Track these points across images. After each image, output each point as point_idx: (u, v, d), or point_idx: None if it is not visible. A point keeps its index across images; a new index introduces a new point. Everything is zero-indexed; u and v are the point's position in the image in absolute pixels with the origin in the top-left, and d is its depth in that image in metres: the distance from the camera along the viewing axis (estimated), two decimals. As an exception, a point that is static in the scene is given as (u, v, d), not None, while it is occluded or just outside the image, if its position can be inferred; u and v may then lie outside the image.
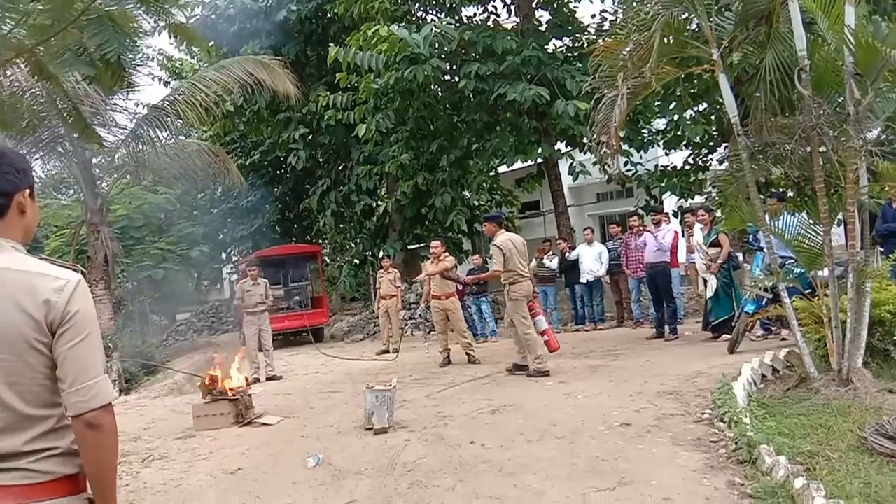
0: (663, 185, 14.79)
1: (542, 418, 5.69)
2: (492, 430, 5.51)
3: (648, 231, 10.01)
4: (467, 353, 9.38)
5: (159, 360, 15.78)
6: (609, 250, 11.89)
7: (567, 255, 12.26)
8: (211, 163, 13.02)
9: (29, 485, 1.64)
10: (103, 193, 12.40)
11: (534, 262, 12.33)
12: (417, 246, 19.09)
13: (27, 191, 1.76)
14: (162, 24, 4.95)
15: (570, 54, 14.81)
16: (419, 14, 15.56)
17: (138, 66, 9.03)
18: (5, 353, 1.63)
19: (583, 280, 12.02)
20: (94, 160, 12.12)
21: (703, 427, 4.96)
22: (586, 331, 11.89)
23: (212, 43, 17.76)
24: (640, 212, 13.91)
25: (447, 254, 10.10)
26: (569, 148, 15.10)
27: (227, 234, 24.38)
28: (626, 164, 14.61)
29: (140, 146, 11.15)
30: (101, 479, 1.72)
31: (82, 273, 1.76)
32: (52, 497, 1.66)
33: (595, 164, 14.30)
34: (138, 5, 4.83)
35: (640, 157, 15.28)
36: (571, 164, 14.19)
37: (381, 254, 15.76)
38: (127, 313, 18.39)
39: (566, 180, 15.90)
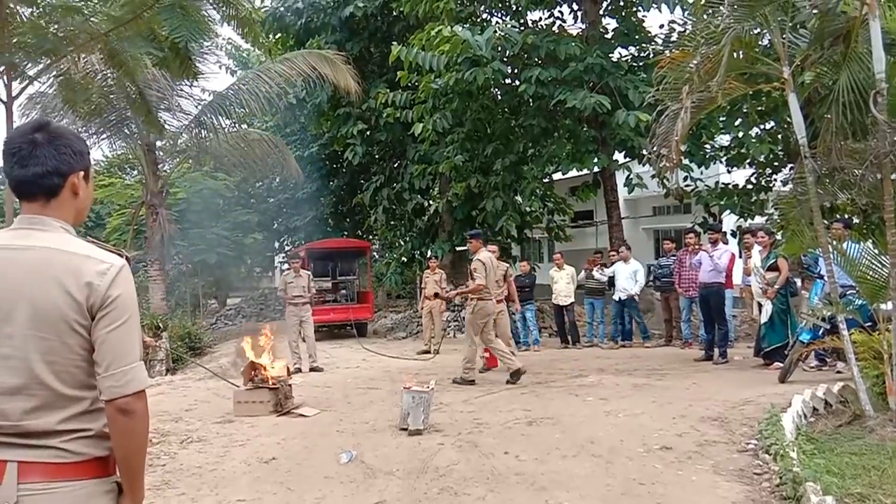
0: (723, 202, 14.36)
1: (580, 434, 5.58)
2: (527, 442, 5.43)
3: (704, 250, 9.72)
4: (506, 361, 9.13)
5: (207, 343, 16.18)
6: (661, 267, 11.61)
7: (600, 272, 11.99)
8: (270, 153, 13.27)
9: (58, 464, 1.65)
10: (164, 176, 12.76)
11: (582, 274, 12.16)
12: (465, 248, 19.06)
13: (82, 172, 1.77)
14: (230, 13, 5.01)
15: (634, 64, 14.54)
16: (484, 16, 15.52)
17: (206, 54, 9.24)
18: (46, 332, 1.64)
19: (615, 297, 11.78)
20: (158, 143, 12.47)
21: (747, 458, 4.78)
22: (601, 349, 11.63)
23: (279, 35, 18.10)
24: (697, 228, 13.55)
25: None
26: (627, 159, 14.84)
27: (282, 224, 24.81)
28: (685, 178, 14.26)
29: (203, 132, 11.42)
30: (130, 464, 1.72)
31: (126, 259, 1.75)
32: (80, 478, 1.67)
33: (653, 177, 14.02)
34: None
35: (701, 173, 14.89)
36: (629, 175, 13.91)
37: (428, 253, 15.78)
38: (179, 294, 18.89)
39: (622, 192, 15.62)
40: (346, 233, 23.51)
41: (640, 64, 14.43)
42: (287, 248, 26.08)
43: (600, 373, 8.74)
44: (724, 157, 14.70)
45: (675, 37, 13.96)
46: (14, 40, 4.66)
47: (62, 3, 4.69)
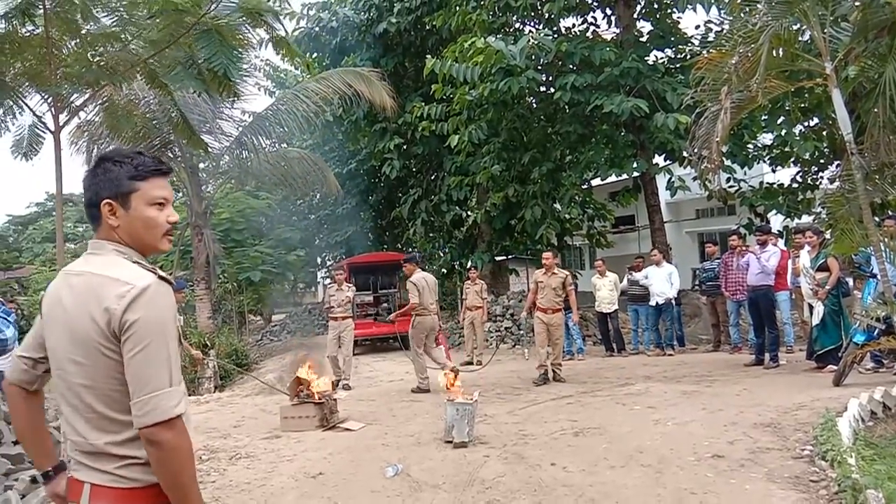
0: (768, 203, 14.04)
1: (628, 444, 5.48)
2: (574, 453, 5.35)
3: (752, 252, 9.48)
4: (554, 370, 9.09)
5: (253, 359, 16.43)
6: (706, 270, 11.38)
7: (631, 277, 11.78)
8: (310, 170, 13.48)
9: (119, 489, 1.69)
10: (208, 197, 13.05)
11: (625, 281, 11.98)
12: (505, 258, 19.00)
13: (110, 199, 1.78)
14: (266, 36, 5.13)
15: (671, 66, 14.37)
16: (516, 25, 15.54)
17: (245, 76, 9.45)
18: (81, 356, 1.68)
19: (652, 302, 11.56)
20: (201, 165, 12.78)
21: (803, 464, 4.62)
22: (648, 356, 11.40)
23: (315, 55, 18.43)
24: (742, 230, 13.26)
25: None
26: (667, 162, 14.63)
27: (323, 240, 25.13)
28: (728, 180, 13.98)
29: (244, 153, 11.66)
30: (173, 495, 1.68)
31: (163, 278, 1.72)
32: None
33: (695, 179, 13.78)
34: (243, 19, 5.02)
35: (745, 173, 14.59)
36: (670, 178, 13.70)
37: (468, 264, 15.78)
38: (226, 312, 19.25)
39: (664, 195, 15.39)
40: (385, 246, 23.69)
41: (678, 66, 14.26)
42: (329, 264, 26.41)
43: (647, 380, 8.58)
44: (768, 157, 14.39)
45: (711, 37, 13.77)
46: (59, 71, 4.82)
47: (102, 32, 4.84)
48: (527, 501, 4.37)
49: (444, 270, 20.67)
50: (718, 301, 11.17)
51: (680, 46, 14.90)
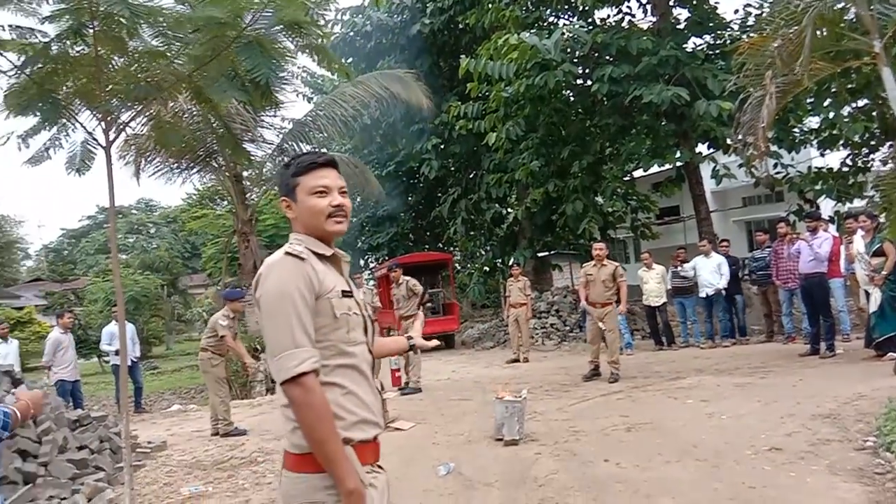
0: (818, 188, 13.66)
1: (682, 438, 5.40)
2: (627, 449, 5.30)
3: (803, 239, 9.22)
4: (612, 370, 8.71)
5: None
6: (756, 259, 11.10)
7: (680, 269, 11.53)
8: (351, 174, 13.61)
9: (290, 454, 1.82)
10: (252, 205, 13.29)
11: (669, 273, 11.77)
12: (547, 253, 18.89)
13: (284, 199, 2.02)
14: (303, 44, 5.20)
15: (710, 52, 14.08)
16: (550, 19, 15.43)
17: (284, 84, 9.59)
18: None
19: (701, 294, 11.31)
20: (245, 174, 13.03)
21: (866, 456, 4.49)
22: (700, 349, 11.16)
23: (350, 59, 18.61)
24: (791, 217, 12.91)
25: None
26: (711, 150, 14.35)
27: (365, 242, 25.36)
28: (775, 165, 13.64)
29: (286, 160, 11.84)
30: (316, 453, 1.75)
31: (288, 253, 1.87)
32: (302, 471, 1.79)
33: (741, 166, 13.50)
34: (283, 30, 5.10)
35: (792, 159, 14.21)
36: (715, 167, 13.43)
37: (510, 261, 15.72)
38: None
39: (709, 184, 15.09)
40: (426, 246, 23.79)
41: (717, 52, 13.98)
42: (372, 266, 26.64)
43: (699, 374, 8.44)
44: (816, 140, 13.98)
45: (751, 21, 13.45)
46: (108, 88, 4.97)
47: (148, 50, 4.97)
48: (581, 498, 4.34)
49: (486, 268, 20.65)
50: (770, 291, 10.90)
51: (719, 32, 14.59)
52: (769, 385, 7.27)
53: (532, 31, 12.43)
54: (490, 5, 14.05)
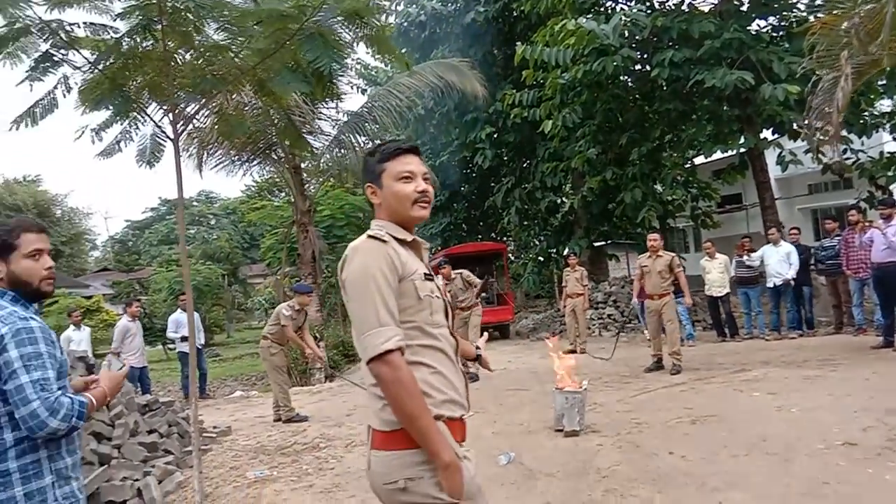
0: (890, 173, 13.01)
1: (750, 432, 5.24)
2: (692, 441, 5.18)
3: (875, 227, 8.80)
4: (673, 361, 8.55)
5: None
6: (825, 248, 10.67)
7: (748, 259, 11.14)
8: (405, 164, 13.63)
9: (381, 431, 1.85)
10: (311, 195, 13.48)
11: (733, 262, 11.44)
12: (603, 243, 18.61)
13: (369, 186, 2.06)
14: (363, 35, 5.21)
15: (775, 34, 13.55)
16: (607, 4, 15.12)
17: (341, 76, 9.67)
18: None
19: (769, 284, 10.92)
20: (303, 165, 13.22)
21: (950, 454, 4.27)
22: (765, 340, 10.78)
23: (404, 50, 18.66)
24: (862, 204, 12.35)
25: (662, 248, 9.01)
26: (775, 136, 13.84)
27: (418, 233, 25.39)
28: (845, 151, 13.05)
29: (342, 151, 11.95)
30: (408, 428, 1.77)
31: (370, 236, 1.91)
32: (392, 448, 1.82)
33: (807, 152, 12.97)
34: (343, 21, 5.13)
35: (862, 144, 13.57)
36: (780, 153, 12.94)
37: (565, 251, 15.54)
38: (331, 306, 19.89)
39: (773, 171, 14.55)
40: (479, 236, 23.75)
41: (783, 34, 13.44)
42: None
43: (765, 366, 8.18)
44: (888, 124, 13.31)
45: (819, 0, 12.88)
46: (176, 81, 5.09)
47: (213, 44, 5.07)
48: (646, 490, 4.26)
49: (541, 258, 20.49)
50: (839, 281, 10.48)
51: (785, 13, 14.00)
52: (840, 378, 6.99)
53: (589, 16, 12.19)
54: (546, -9, 13.84)
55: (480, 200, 22.71)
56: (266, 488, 5.13)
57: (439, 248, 23.24)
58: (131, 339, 10.21)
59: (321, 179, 14.52)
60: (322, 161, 13.14)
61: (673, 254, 9.03)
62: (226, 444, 6.78)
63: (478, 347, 2.56)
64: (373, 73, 26.72)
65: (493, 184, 21.23)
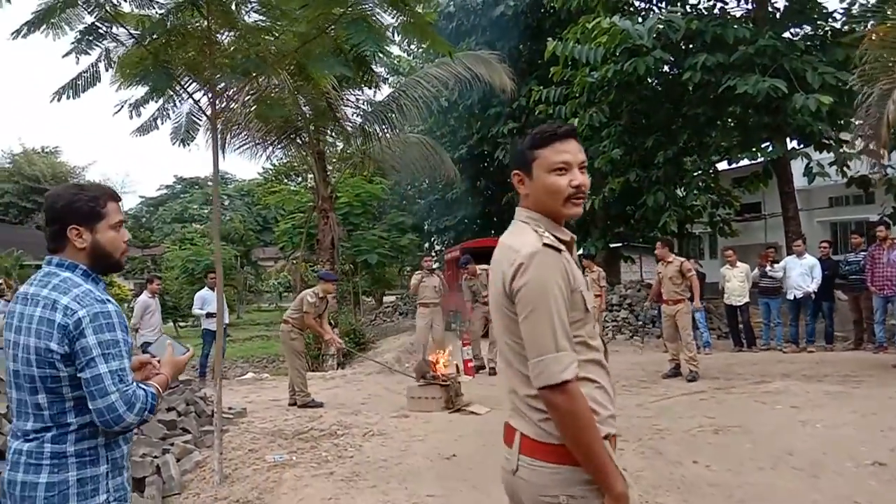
0: (919, 191, 12.86)
1: (775, 445, 5.18)
2: (716, 451, 5.13)
3: (904, 244, 8.71)
4: (690, 367, 8.46)
5: (369, 338, 16.93)
6: (849, 263, 10.55)
7: (771, 269, 11.03)
8: (428, 155, 13.63)
9: (540, 442, 1.75)
10: (333, 182, 13.48)
11: (756, 272, 11.34)
12: (619, 245, 18.51)
13: (518, 170, 1.92)
14: (407, 19, 5.15)
15: (809, 43, 13.38)
16: (639, 4, 14.98)
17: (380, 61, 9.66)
18: (497, 313, 1.85)
19: (790, 296, 10.82)
20: (327, 151, 13.22)
21: (984, 480, 4.21)
22: (783, 352, 10.68)
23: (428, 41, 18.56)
24: (887, 219, 12.21)
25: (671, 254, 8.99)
26: (801, 146, 13.70)
27: (432, 225, 25.44)
28: (874, 165, 12.90)
29: (366, 139, 11.91)
30: (578, 456, 1.69)
31: (546, 244, 1.75)
32: (555, 462, 1.73)
33: (832, 164, 12.86)
34: (386, 8, 5.09)
35: (889, 158, 13.41)
36: (808, 164, 12.81)
37: (579, 251, 15.45)
38: (341, 293, 19.91)
39: (795, 182, 14.41)
40: (493, 231, 23.66)
41: (817, 43, 13.28)
42: (437, 248, 26.71)
43: (785, 378, 8.10)
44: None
45: (856, 9, 12.72)
46: (217, 62, 5.06)
47: (256, 26, 5.04)
48: (672, 498, 4.23)
49: (556, 257, 20.37)
50: (862, 296, 10.37)
51: (820, 22, 13.83)
52: (864, 395, 6.90)
53: (622, 16, 12.07)
54: (579, -12, 13.72)
55: (498, 196, 22.62)
56: (286, 473, 5.12)
57: (452, 242, 23.18)
58: (150, 316, 10.25)
59: (341, 167, 14.51)
60: (345, 148, 13.13)
61: (682, 258, 8.99)
62: (242, 426, 6.79)
63: None
64: (395, 62, 26.64)
65: (509, 180, 21.08)
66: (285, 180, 28.24)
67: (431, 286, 10.48)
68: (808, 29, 14.02)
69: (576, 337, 1.75)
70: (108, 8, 4.58)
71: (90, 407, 1.86)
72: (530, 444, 1.77)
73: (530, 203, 1.90)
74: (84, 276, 1.98)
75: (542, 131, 1.88)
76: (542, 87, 14.92)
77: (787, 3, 14.00)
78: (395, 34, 10.72)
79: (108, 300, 1.95)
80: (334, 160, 14.06)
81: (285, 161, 22.34)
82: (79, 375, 1.86)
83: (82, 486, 1.88)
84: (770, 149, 12.78)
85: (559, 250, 1.76)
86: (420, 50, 21.35)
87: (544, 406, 1.71)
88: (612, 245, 18.12)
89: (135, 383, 1.92)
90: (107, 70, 4.91)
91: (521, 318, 1.72)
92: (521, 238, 1.80)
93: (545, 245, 1.75)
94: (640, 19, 11.60)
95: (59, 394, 1.88)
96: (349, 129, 11.76)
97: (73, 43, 4.59)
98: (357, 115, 12.76)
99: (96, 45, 4.67)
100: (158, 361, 2.16)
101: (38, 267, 2.01)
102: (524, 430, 1.79)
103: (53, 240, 2.00)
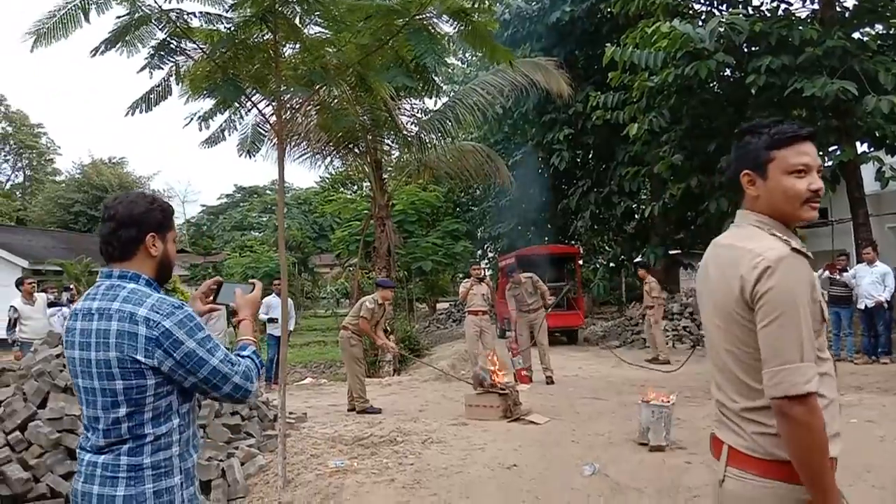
0: None
1: (852, 461, 4.95)
2: (788, 467, 4.93)
3: None
4: None
5: (424, 345, 17.00)
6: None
7: (839, 277, 10.60)
8: (483, 162, 13.64)
9: (749, 455, 1.73)
10: (390, 190, 13.62)
11: (825, 276, 10.92)
12: (678, 252, 18.12)
13: (749, 171, 1.85)
14: (466, 29, 5.17)
15: (882, 42, 12.84)
16: (699, 7, 14.65)
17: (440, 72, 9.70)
18: (721, 320, 1.79)
19: (860, 305, 10.37)
20: (383, 160, 13.37)
21: None
22: (854, 364, 10.21)
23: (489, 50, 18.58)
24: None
25: None
26: (871, 150, 13.14)
27: (486, 232, 25.41)
28: (950, 170, 12.30)
29: (422, 147, 12.00)
30: (802, 474, 1.64)
31: (794, 249, 1.70)
32: (768, 477, 1.69)
33: (905, 168, 12.28)
34: (447, 19, 5.12)
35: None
36: (880, 168, 12.28)
37: (638, 258, 15.19)
38: (397, 300, 20.08)
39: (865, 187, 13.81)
40: (546, 238, 23.47)
41: (890, 42, 12.74)
42: (490, 255, 26.64)
43: (858, 391, 7.77)
44: None
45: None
46: (282, 74, 5.17)
47: (321, 38, 5.13)
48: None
49: (612, 264, 20.11)
50: (941, 306, 9.89)
51: (893, 21, 13.25)
52: (946, 411, 6.56)
53: (684, 20, 11.83)
54: (639, -8, 13.51)
55: (552, 203, 22.45)
56: (348, 479, 5.16)
57: (505, 249, 23.09)
58: (215, 321, 10.51)
59: (397, 175, 14.65)
60: (401, 157, 13.25)
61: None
62: (303, 431, 6.88)
63: None
64: (449, 70, 26.77)
65: (564, 186, 20.92)
66: (341, 189, 28.70)
67: (480, 294, 10.50)
68: (880, 28, 13.46)
69: None
70: (178, 24, 4.74)
71: (216, 395, 1.98)
72: (739, 457, 1.73)
73: (762, 206, 1.83)
74: (147, 285, 2.00)
75: (782, 131, 1.80)
76: (599, 93, 14.76)
77: (857, 2, 13.47)
78: (451, 43, 10.79)
79: (183, 303, 1.99)
80: (390, 168, 14.15)
81: (342, 170, 22.70)
82: (184, 384, 1.94)
83: (158, 498, 1.90)
84: (838, 152, 12.31)
85: (808, 258, 1.71)
86: (474, 58, 21.36)
87: (770, 418, 1.67)
88: (671, 252, 17.75)
89: (238, 358, 2.02)
90: (177, 84, 5.07)
91: (762, 323, 1.66)
92: (761, 242, 1.73)
93: (793, 250, 1.70)
94: (700, 22, 11.34)
95: (141, 405, 1.90)
96: (403, 137, 11.84)
97: (146, 58, 4.77)
98: (413, 124, 12.90)
99: (168, 60, 4.84)
100: (228, 307, 2.24)
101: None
102: (733, 443, 1.76)
103: (125, 246, 1.99)
